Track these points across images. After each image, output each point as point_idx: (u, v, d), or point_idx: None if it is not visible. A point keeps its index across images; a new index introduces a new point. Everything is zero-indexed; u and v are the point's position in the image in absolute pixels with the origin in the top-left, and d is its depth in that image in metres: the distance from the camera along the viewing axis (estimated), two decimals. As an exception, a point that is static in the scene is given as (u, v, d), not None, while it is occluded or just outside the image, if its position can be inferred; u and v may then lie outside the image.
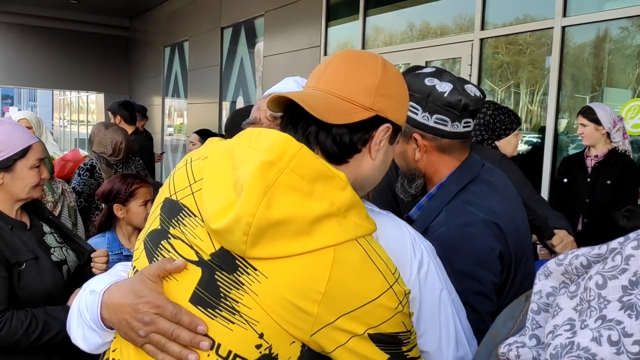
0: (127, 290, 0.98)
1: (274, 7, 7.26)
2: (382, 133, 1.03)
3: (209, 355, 0.92)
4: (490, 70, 4.82)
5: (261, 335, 0.90)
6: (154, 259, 1.00)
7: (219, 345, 0.92)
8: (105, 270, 1.95)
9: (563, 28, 4.07)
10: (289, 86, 1.49)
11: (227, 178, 0.95)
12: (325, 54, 6.54)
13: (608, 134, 3.50)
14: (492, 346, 0.74)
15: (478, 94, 1.44)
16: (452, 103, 1.39)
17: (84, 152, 4.67)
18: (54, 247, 2.03)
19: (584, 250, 0.66)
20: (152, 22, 11.74)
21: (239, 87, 8.50)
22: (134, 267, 1.05)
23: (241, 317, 0.90)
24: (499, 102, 3.11)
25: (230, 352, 0.91)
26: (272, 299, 0.89)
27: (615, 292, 0.58)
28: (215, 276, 0.92)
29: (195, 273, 0.94)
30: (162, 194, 1.06)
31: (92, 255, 2.10)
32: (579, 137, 3.74)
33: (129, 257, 2.53)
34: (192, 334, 0.92)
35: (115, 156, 3.81)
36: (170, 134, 11.31)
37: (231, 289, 0.91)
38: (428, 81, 1.42)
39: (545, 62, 4.34)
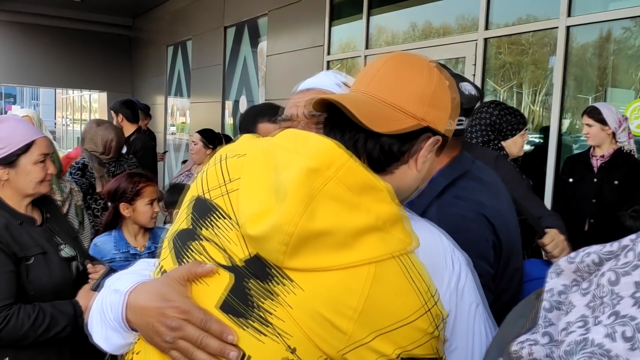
0: (154, 292, 0.94)
1: (278, 6, 7.26)
2: (430, 146, 1.00)
3: None
4: (494, 70, 4.82)
5: (294, 351, 0.87)
6: (183, 260, 0.96)
7: (249, 357, 0.88)
8: None
9: (568, 28, 4.06)
10: (324, 81, 1.45)
11: (266, 180, 0.91)
12: (329, 53, 6.54)
13: (614, 134, 3.50)
14: (503, 345, 0.75)
15: (474, 92, 1.48)
16: None
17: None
18: (64, 244, 2.04)
19: (595, 247, 0.66)
20: (155, 21, 11.74)
21: (242, 87, 8.51)
22: (161, 266, 1.01)
23: (274, 329, 0.87)
24: (504, 102, 3.11)
25: None
26: (306, 313, 0.86)
27: (628, 289, 0.58)
28: (248, 284, 0.89)
29: (226, 279, 0.90)
30: (193, 191, 1.01)
31: (89, 269, 2.08)
32: (583, 137, 3.74)
33: (135, 256, 2.54)
34: (221, 343, 0.88)
35: (106, 154, 3.80)
36: (173, 133, 11.32)
37: (265, 299, 0.87)
38: None
39: (550, 62, 4.34)
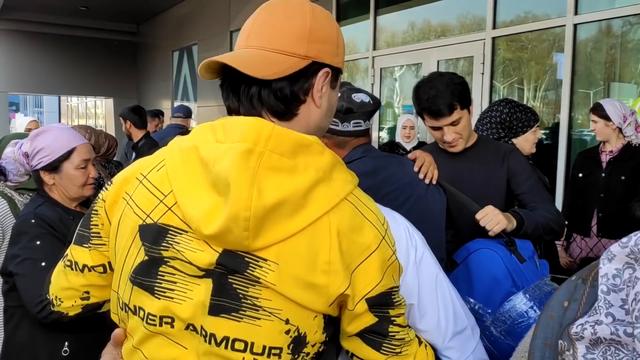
0: None
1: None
2: (321, 79, 1.00)
3: (243, 358, 0.92)
4: (503, 68, 4.87)
5: (287, 321, 0.92)
6: (157, 290, 0.95)
7: (252, 344, 0.92)
8: None
9: (575, 26, 4.12)
10: None
11: (200, 180, 0.92)
12: (336, 55, 6.59)
13: (620, 129, 3.54)
14: (550, 327, 0.80)
15: (366, 100, 1.68)
16: (337, 108, 1.61)
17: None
18: None
19: None
20: (160, 26, 11.82)
21: (249, 90, 8.55)
22: (141, 310, 0.98)
23: (265, 311, 0.91)
24: (515, 100, 3.16)
25: (264, 347, 0.93)
26: (288, 284, 0.90)
27: None
28: (228, 280, 0.91)
29: (206, 286, 0.92)
30: (128, 223, 0.98)
31: None
32: (592, 133, 3.79)
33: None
34: None
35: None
36: (180, 137, 11.36)
37: (248, 288, 0.91)
38: None
39: (558, 59, 4.39)
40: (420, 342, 1.11)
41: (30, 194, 2.41)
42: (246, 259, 0.90)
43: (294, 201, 0.89)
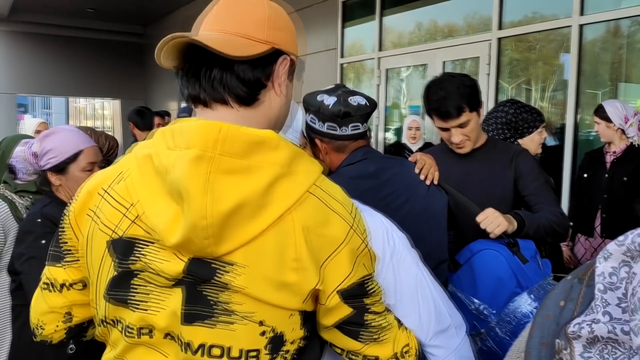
0: None
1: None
2: (282, 65, 1.00)
3: None
4: (509, 68, 4.87)
5: (261, 323, 0.92)
6: (131, 302, 0.95)
7: (229, 348, 0.92)
8: None
9: (580, 26, 4.11)
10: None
11: (157, 189, 0.91)
12: (342, 56, 6.62)
13: (623, 130, 3.55)
14: (546, 326, 0.81)
15: (363, 102, 1.70)
16: (335, 112, 1.67)
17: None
18: None
19: None
20: (167, 28, 11.86)
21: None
22: (126, 323, 0.97)
23: (237, 315, 0.91)
24: (521, 101, 3.16)
25: (241, 350, 0.92)
26: (258, 285, 0.90)
27: None
28: (199, 287, 0.91)
29: (178, 295, 0.92)
30: (98, 240, 0.97)
31: None
32: (597, 134, 3.80)
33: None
34: None
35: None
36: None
37: (219, 293, 0.90)
38: (319, 97, 1.70)
39: (564, 60, 4.39)
40: (400, 325, 1.11)
41: (30, 197, 2.44)
42: (212, 265, 0.89)
43: (253, 202, 0.87)
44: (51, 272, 1.08)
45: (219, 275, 0.89)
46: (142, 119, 5.34)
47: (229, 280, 0.89)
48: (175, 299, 0.92)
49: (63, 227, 1.06)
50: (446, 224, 1.77)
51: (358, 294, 0.99)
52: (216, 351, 0.92)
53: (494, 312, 1.78)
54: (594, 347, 0.71)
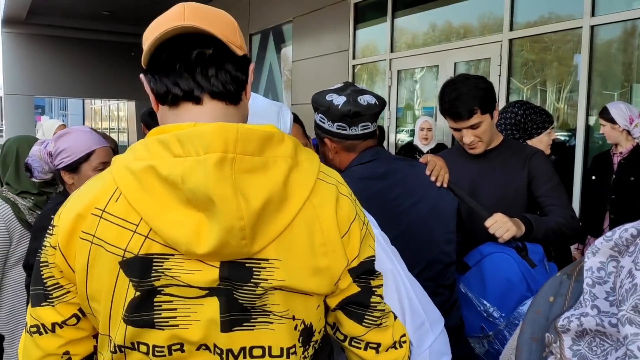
0: None
1: (302, 12, 7.38)
2: (251, 72, 1.01)
3: None
4: (520, 70, 4.86)
5: (294, 317, 0.95)
6: (157, 320, 0.91)
7: (269, 347, 0.93)
8: None
9: (592, 27, 4.10)
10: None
11: (168, 201, 0.87)
12: (354, 57, 6.64)
13: (629, 131, 3.56)
14: (537, 322, 0.83)
15: (372, 101, 1.69)
16: (345, 112, 1.66)
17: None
18: None
19: (632, 224, 0.74)
20: (181, 30, 11.94)
21: (268, 92, 8.64)
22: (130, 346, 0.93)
23: (275, 315, 0.93)
24: (529, 102, 3.17)
25: (282, 349, 0.94)
26: (295, 275, 0.92)
27: None
28: (235, 294, 0.90)
29: (211, 304, 0.90)
30: (102, 263, 0.90)
31: None
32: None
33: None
34: None
35: None
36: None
37: (254, 297, 0.91)
38: (328, 97, 1.70)
39: (575, 61, 4.37)
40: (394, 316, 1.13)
41: (32, 198, 2.50)
42: (247, 264, 0.90)
43: (276, 196, 0.89)
44: (38, 314, 0.98)
45: (257, 273, 0.90)
46: (154, 120, 5.38)
47: (267, 276, 0.90)
48: (208, 309, 0.90)
49: (45, 262, 0.96)
50: (455, 227, 1.77)
51: (365, 272, 1.01)
52: (257, 352, 0.93)
53: (503, 314, 1.79)
54: (582, 340, 0.73)
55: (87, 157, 2.09)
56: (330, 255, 0.95)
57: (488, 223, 1.89)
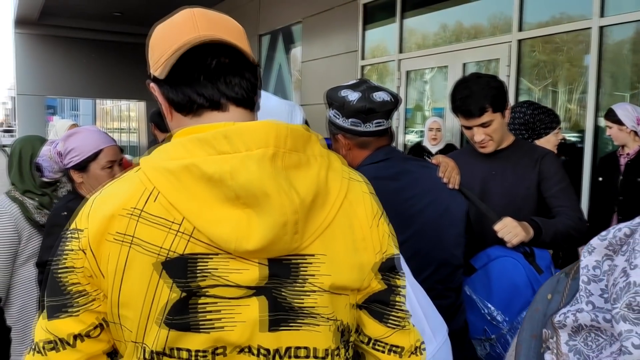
0: None
1: (311, 13, 7.40)
2: (259, 80, 1.02)
3: None
4: (529, 70, 4.85)
5: (335, 319, 0.95)
6: (202, 324, 0.87)
7: (314, 349, 0.93)
8: None
9: (601, 28, 4.09)
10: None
11: (210, 198, 0.85)
12: (363, 58, 6.65)
13: (636, 132, 3.55)
14: (536, 319, 0.84)
15: (387, 98, 1.68)
16: (359, 108, 1.65)
17: (128, 157, 4.88)
18: None
19: (625, 223, 0.76)
20: (191, 31, 12.01)
21: (278, 93, 8.67)
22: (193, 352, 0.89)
23: (322, 317, 0.93)
24: (537, 102, 3.17)
25: (327, 350, 0.94)
26: (340, 270, 0.93)
27: None
28: (282, 292, 0.90)
29: (256, 304, 0.89)
30: (138, 265, 0.86)
31: None
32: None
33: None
34: None
35: None
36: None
37: (302, 296, 0.91)
38: (342, 93, 1.70)
39: (584, 62, 4.36)
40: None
41: (36, 198, 2.53)
42: (294, 261, 0.90)
43: (321, 191, 0.91)
44: (55, 327, 0.90)
45: (304, 269, 0.91)
46: (162, 120, 5.40)
47: (314, 272, 0.91)
48: (252, 309, 0.89)
49: (70, 269, 0.90)
50: (464, 230, 1.77)
51: (391, 269, 1.02)
52: (302, 352, 0.93)
53: (507, 319, 1.79)
54: (578, 335, 0.75)
55: (95, 155, 2.13)
56: (369, 251, 0.98)
57: (497, 227, 1.90)
